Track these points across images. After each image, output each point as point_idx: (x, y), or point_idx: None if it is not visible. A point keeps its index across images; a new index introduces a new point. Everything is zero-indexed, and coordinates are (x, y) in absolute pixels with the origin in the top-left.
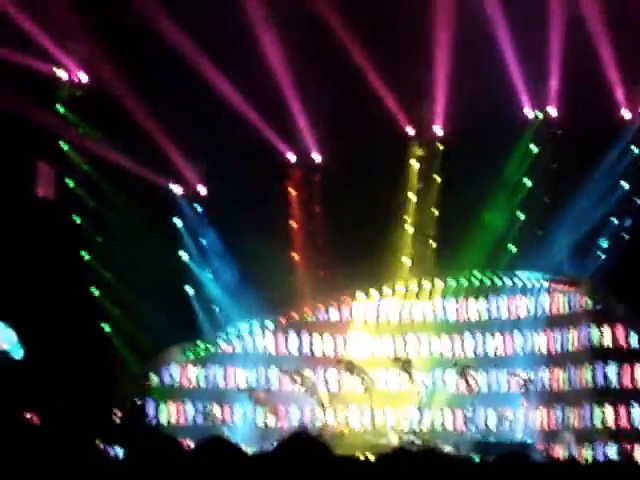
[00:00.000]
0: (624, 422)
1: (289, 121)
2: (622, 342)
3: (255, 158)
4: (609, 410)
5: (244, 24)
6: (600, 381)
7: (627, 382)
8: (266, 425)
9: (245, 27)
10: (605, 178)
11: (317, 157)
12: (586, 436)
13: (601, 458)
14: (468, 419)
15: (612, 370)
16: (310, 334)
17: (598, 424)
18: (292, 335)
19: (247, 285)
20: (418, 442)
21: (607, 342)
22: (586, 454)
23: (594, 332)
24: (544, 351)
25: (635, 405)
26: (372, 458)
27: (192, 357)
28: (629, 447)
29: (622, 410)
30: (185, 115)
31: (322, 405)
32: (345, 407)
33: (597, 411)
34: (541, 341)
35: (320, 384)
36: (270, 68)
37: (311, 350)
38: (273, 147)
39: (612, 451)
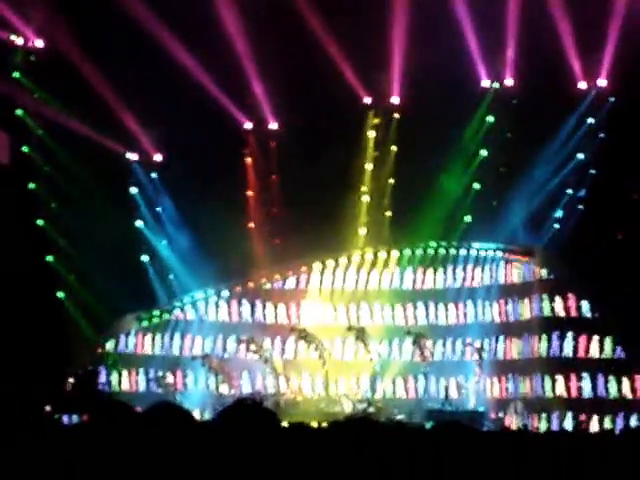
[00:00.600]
0: (575, 392)
1: (246, 89)
2: (574, 312)
3: (212, 126)
4: (560, 380)
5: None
6: (553, 351)
7: (581, 352)
8: (220, 392)
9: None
10: (561, 149)
11: (274, 125)
12: (540, 405)
13: (556, 428)
14: (422, 388)
15: (565, 340)
16: (265, 303)
17: (549, 394)
18: (247, 303)
19: (203, 253)
20: (372, 410)
21: (559, 312)
22: (541, 424)
23: (547, 302)
24: (497, 320)
25: (585, 376)
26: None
27: (147, 325)
28: (584, 417)
29: (573, 380)
30: (142, 82)
31: (276, 373)
32: (299, 375)
33: (549, 381)
34: (495, 311)
35: (274, 352)
36: (227, 36)
37: (265, 318)
38: (230, 115)
39: (568, 421)
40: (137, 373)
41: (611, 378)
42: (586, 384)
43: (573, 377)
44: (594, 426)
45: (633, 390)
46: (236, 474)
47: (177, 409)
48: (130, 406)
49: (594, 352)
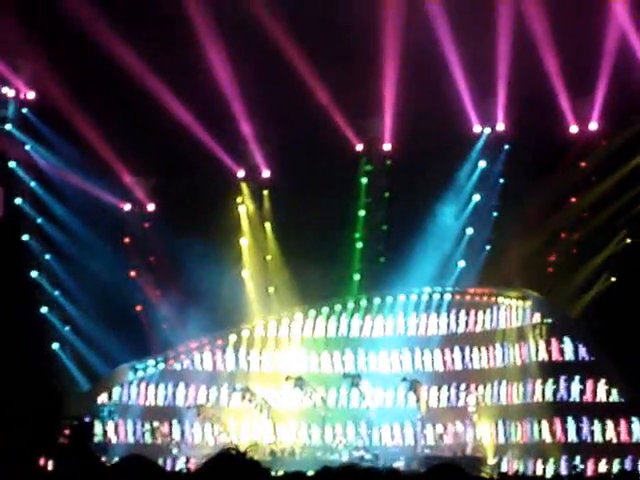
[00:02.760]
0: (570, 437)
1: (238, 138)
2: (569, 356)
3: (204, 174)
4: (557, 424)
5: (194, 42)
6: (550, 395)
7: (578, 396)
8: (216, 441)
9: (195, 45)
10: (553, 192)
11: (266, 173)
12: (537, 450)
13: (563, 472)
14: (418, 434)
15: (560, 384)
16: (260, 351)
17: (546, 438)
18: (242, 352)
19: (197, 302)
20: (368, 457)
21: (555, 356)
22: (544, 468)
23: (542, 346)
24: (497, 365)
25: (583, 420)
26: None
27: (142, 375)
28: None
29: (570, 424)
30: (134, 133)
31: (272, 421)
32: (296, 423)
33: (545, 425)
34: (494, 356)
35: (270, 400)
36: (219, 86)
37: (261, 366)
38: (222, 163)
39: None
40: (132, 423)
41: (608, 422)
42: (582, 428)
43: (571, 421)
44: (590, 470)
45: (629, 433)
46: None
47: (146, 461)
48: (97, 458)
49: (592, 396)
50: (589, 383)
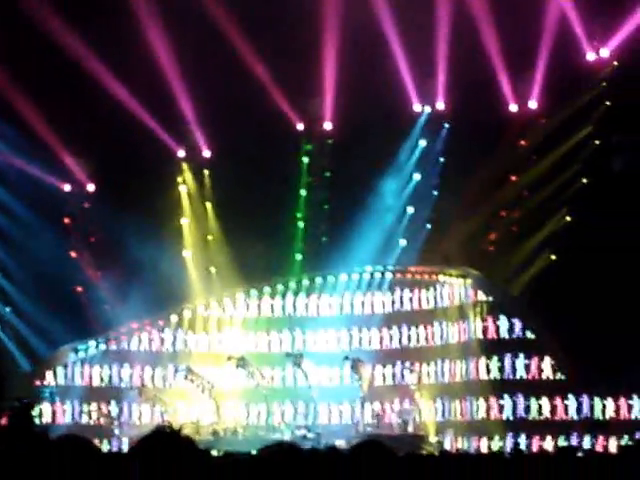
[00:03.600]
0: (515, 413)
1: (179, 118)
2: (509, 334)
3: (145, 155)
4: (500, 401)
5: (133, 22)
6: (489, 373)
7: (519, 374)
8: (158, 421)
9: (135, 26)
10: (493, 171)
11: (207, 153)
12: (480, 428)
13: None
14: (359, 412)
15: (502, 362)
16: (202, 331)
17: (484, 415)
18: (183, 332)
19: (138, 283)
20: (310, 436)
21: (495, 334)
22: (489, 445)
23: (481, 324)
24: (438, 343)
25: (522, 397)
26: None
27: (83, 356)
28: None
29: (515, 401)
30: (74, 113)
31: (215, 402)
32: (238, 403)
33: (484, 403)
34: (434, 334)
35: (213, 381)
36: (160, 66)
37: (203, 347)
38: (163, 143)
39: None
40: (75, 404)
41: (544, 399)
42: (519, 405)
43: (511, 398)
44: (535, 447)
45: (566, 410)
46: None
47: (80, 441)
48: (40, 438)
49: (532, 374)
50: (529, 361)
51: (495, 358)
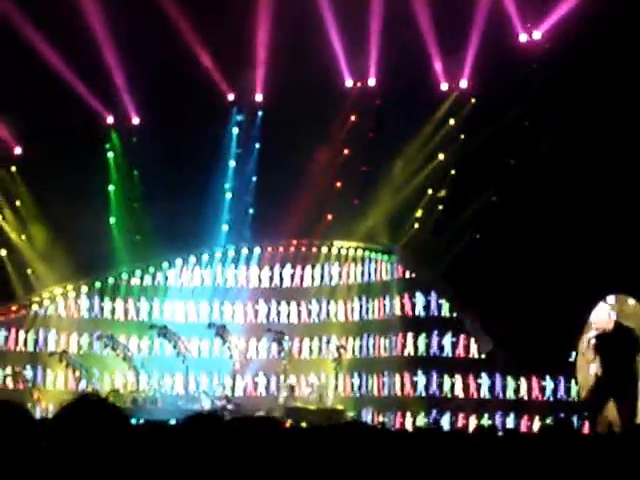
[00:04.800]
0: (432, 391)
1: (108, 84)
2: (433, 311)
3: (73, 119)
4: (421, 378)
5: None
6: (410, 349)
7: (440, 351)
8: (78, 388)
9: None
10: (422, 149)
11: (136, 120)
12: (399, 404)
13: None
14: (281, 385)
15: (424, 338)
16: (125, 299)
17: (408, 392)
18: (107, 300)
19: (62, 248)
20: (230, 407)
21: (419, 311)
22: (414, 421)
23: (407, 301)
24: (357, 319)
25: (445, 374)
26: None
27: (4, 320)
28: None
29: (433, 378)
30: (2, 76)
31: (135, 370)
32: (159, 372)
33: (409, 379)
34: (355, 309)
35: (134, 349)
36: (91, 30)
37: (125, 315)
38: (92, 109)
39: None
40: None
41: (457, 376)
42: (439, 382)
43: (425, 375)
44: (446, 424)
45: (491, 389)
46: (70, 473)
47: (14, 407)
48: None
49: (451, 351)
50: (448, 338)
51: (413, 335)
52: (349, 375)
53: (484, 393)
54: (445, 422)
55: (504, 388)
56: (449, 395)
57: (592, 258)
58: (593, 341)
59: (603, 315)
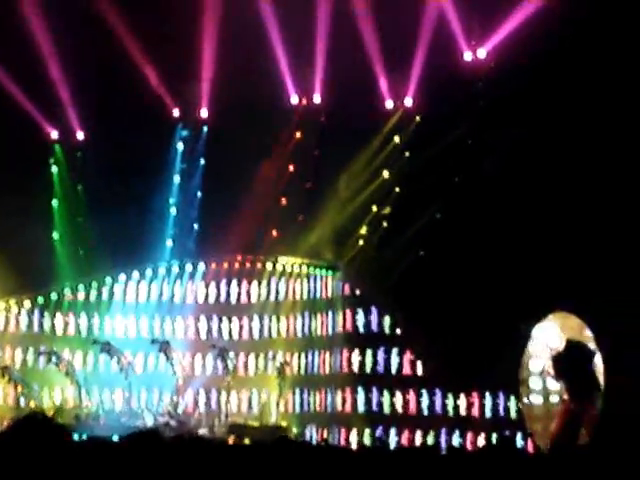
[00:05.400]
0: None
1: (53, 98)
2: (377, 327)
3: (17, 134)
4: (362, 395)
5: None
6: (357, 366)
7: (386, 368)
8: (18, 404)
9: (11, 2)
10: (367, 166)
11: (80, 135)
12: (340, 420)
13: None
14: (225, 401)
15: (368, 355)
16: (67, 314)
17: (349, 408)
18: (50, 315)
19: (4, 263)
20: (173, 424)
21: (362, 327)
22: (359, 439)
23: (350, 317)
24: (300, 335)
25: (385, 391)
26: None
27: None
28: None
29: (375, 395)
30: None
31: (78, 386)
32: (102, 388)
33: (351, 396)
34: (299, 325)
35: (76, 364)
36: (34, 44)
37: (69, 330)
38: (36, 124)
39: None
40: None
41: (397, 393)
42: (379, 399)
43: (365, 392)
44: (405, 440)
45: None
46: None
47: None
48: None
49: (399, 369)
50: (392, 355)
51: (358, 351)
52: (292, 392)
53: (425, 410)
54: (390, 439)
55: (444, 405)
56: (388, 412)
57: (534, 275)
58: (550, 368)
59: (552, 336)
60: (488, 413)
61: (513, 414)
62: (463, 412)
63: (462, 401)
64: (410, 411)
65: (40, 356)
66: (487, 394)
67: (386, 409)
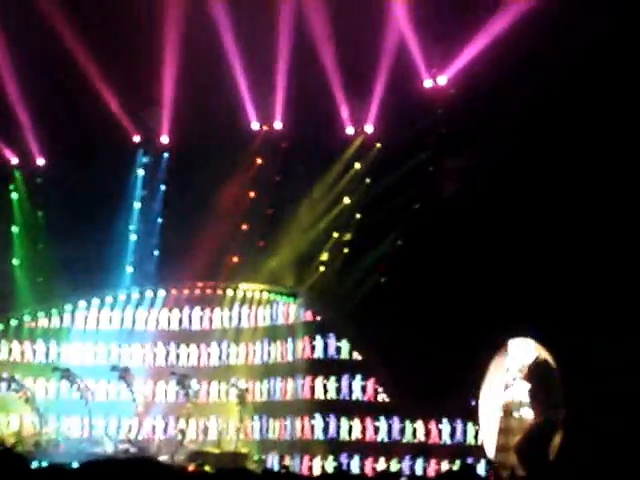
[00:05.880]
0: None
1: (12, 124)
2: (335, 353)
3: None
4: (319, 421)
5: None
6: (317, 393)
7: (347, 394)
8: None
9: None
10: (328, 193)
11: (41, 161)
12: (302, 447)
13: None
14: (181, 429)
15: (329, 382)
16: (27, 341)
17: (310, 435)
18: (6, 342)
19: None
20: (133, 450)
21: (321, 353)
22: (323, 465)
23: (308, 343)
24: (259, 362)
25: (344, 418)
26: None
27: None
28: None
29: (333, 422)
30: None
31: (38, 413)
32: (62, 415)
33: (309, 422)
34: (258, 352)
35: (36, 391)
36: None
37: (28, 357)
38: None
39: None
40: None
41: (356, 420)
42: (337, 425)
43: (334, 419)
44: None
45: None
46: None
47: None
48: None
49: (356, 395)
50: (351, 382)
51: (320, 378)
52: (252, 419)
53: (382, 437)
54: (354, 466)
55: (402, 431)
56: (347, 438)
57: (492, 301)
58: (526, 386)
59: (525, 351)
60: (448, 440)
61: (471, 440)
62: (422, 438)
63: (420, 427)
64: (370, 438)
65: (1, 382)
66: (445, 421)
67: (346, 436)
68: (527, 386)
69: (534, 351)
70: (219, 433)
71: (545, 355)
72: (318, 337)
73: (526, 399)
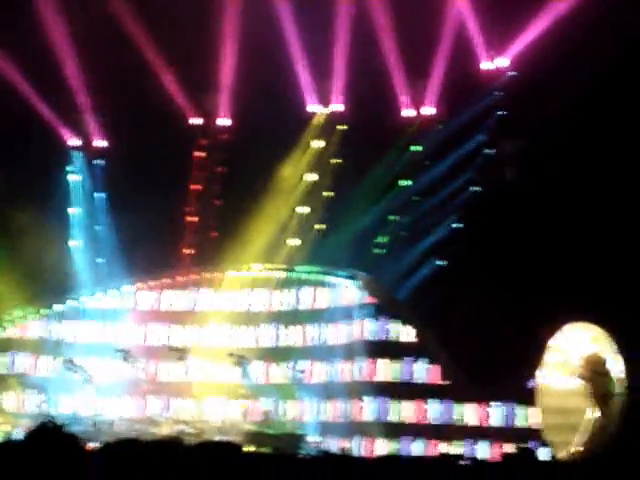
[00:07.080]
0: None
1: (73, 107)
2: (391, 335)
3: (35, 142)
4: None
5: (33, 14)
6: (377, 375)
7: (407, 376)
8: (38, 410)
9: (34, 17)
10: (386, 175)
11: (101, 143)
12: (359, 429)
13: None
14: (245, 410)
15: (387, 363)
16: (87, 322)
17: (365, 417)
18: (68, 322)
19: (23, 273)
20: (190, 431)
21: (378, 335)
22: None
23: (371, 327)
24: (324, 343)
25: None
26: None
27: None
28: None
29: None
30: None
31: (95, 393)
32: (121, 396)
33: (376, 405)
34: (321, 334)
35: (94, 372)
36: (57, 57)
37: (88, 338)
38: (54, 132)
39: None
40: None
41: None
42: (387, 406)
43: (375, 400)
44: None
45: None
46: None
47: None
48: None
49: (419, 376)
50: (413, 363)
51: (380, 361)
52: (314, 400)
53: (440, 419)
54: (416, 449)
55: (460, 414)
56: (406, 421)
57: (550, 285)
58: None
59: (583, 342)
60: (504, 423)
61: (527, 423)
62: (478, 422)
63: (476, 410)
64: (427, 421)
65: (59, 363)
66: (500, 404)
67: (404, 419)
68: (583, 375)
69: (590, 341)
70: (276, 415)
71: (603, 340)
72: (375, 320)
73: (581, 385)
